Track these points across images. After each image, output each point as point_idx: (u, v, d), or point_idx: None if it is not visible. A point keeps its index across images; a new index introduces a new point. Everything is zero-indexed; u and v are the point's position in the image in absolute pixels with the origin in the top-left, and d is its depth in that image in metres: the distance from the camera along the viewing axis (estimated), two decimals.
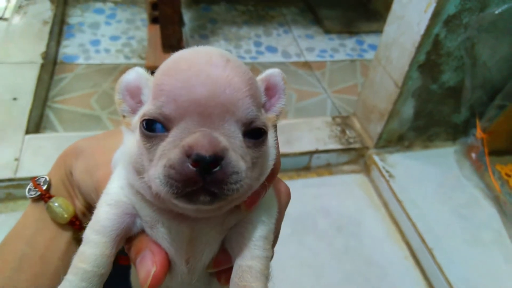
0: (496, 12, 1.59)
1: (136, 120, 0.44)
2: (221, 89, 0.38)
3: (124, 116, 0.46)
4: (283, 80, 0.47)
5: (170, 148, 0.38)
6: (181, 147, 0.37)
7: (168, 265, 0.46)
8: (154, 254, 0.45)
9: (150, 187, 0.41)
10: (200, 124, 0.38)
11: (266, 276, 0.45)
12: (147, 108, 0.40)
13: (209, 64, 0.39)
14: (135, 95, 0.45)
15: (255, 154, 0.41)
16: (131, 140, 0.44)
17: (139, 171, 0.42)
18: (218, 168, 0.37)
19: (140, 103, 0.45)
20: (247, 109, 0.40)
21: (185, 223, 0.45)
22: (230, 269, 0.46)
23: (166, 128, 0.39)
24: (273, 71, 0.47)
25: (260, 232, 0.46)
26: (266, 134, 0.43)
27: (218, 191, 0.37)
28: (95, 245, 0.44)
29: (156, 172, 0.38)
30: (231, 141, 0.39)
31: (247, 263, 0.44)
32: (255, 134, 0.41)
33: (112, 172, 0.49)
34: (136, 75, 0.45)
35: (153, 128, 0.39)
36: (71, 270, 0.43)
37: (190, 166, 0.36)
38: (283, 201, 0.53)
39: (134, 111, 0.45)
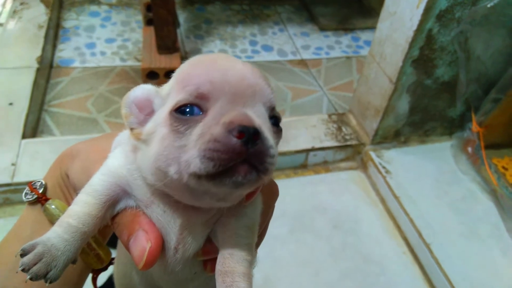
0: (489, 5, 1.59)
1: (150, 126, 0.44)
2: (248, 75, 0.43)
3: (132, 129, 0.46)
4: None
5: (211, 126, 0.39)
6: (222, 123, 0.39)
7: (162, 243, 0.47)
8: (147, 232, 0.46)
9: (180, 180, 0.41)
10: (234, 103, 0.41)
11: (248, 261, 0.46)
12: (178, 98, 0.42)
13: (229, 60, 0.44)
14: (143, 108, 0.46)
15: (276, 140, 0.44)
16: (145, 148, 0.45)
17: (164, 169, 0.42)
18: (258, 140, 0.39)
19: (149, 115, 0.46)
20: (270, 94, 0.44)
21: (179, 212, 0.46)
22: (216, 259, 0.47)
23: (202, 110, 0.41)
24: None
25: (243, 223, 0.48)
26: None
27: (259, 164, 0.39)
28: (84, 204, 0.46)
29: (196, 151, 0.39)
30: (261, 120, 0.42)
31: (228, 250, 0.46)
32: (274, 122, 0.45)
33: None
34: (143, 90, 0.47)
35: (186, 113, 0.41)
36: (58, 223, 0.45)
37: (235, 138, 0.38)
38: (271, 196, 0.54)
39: (142, 123, 0.46)
